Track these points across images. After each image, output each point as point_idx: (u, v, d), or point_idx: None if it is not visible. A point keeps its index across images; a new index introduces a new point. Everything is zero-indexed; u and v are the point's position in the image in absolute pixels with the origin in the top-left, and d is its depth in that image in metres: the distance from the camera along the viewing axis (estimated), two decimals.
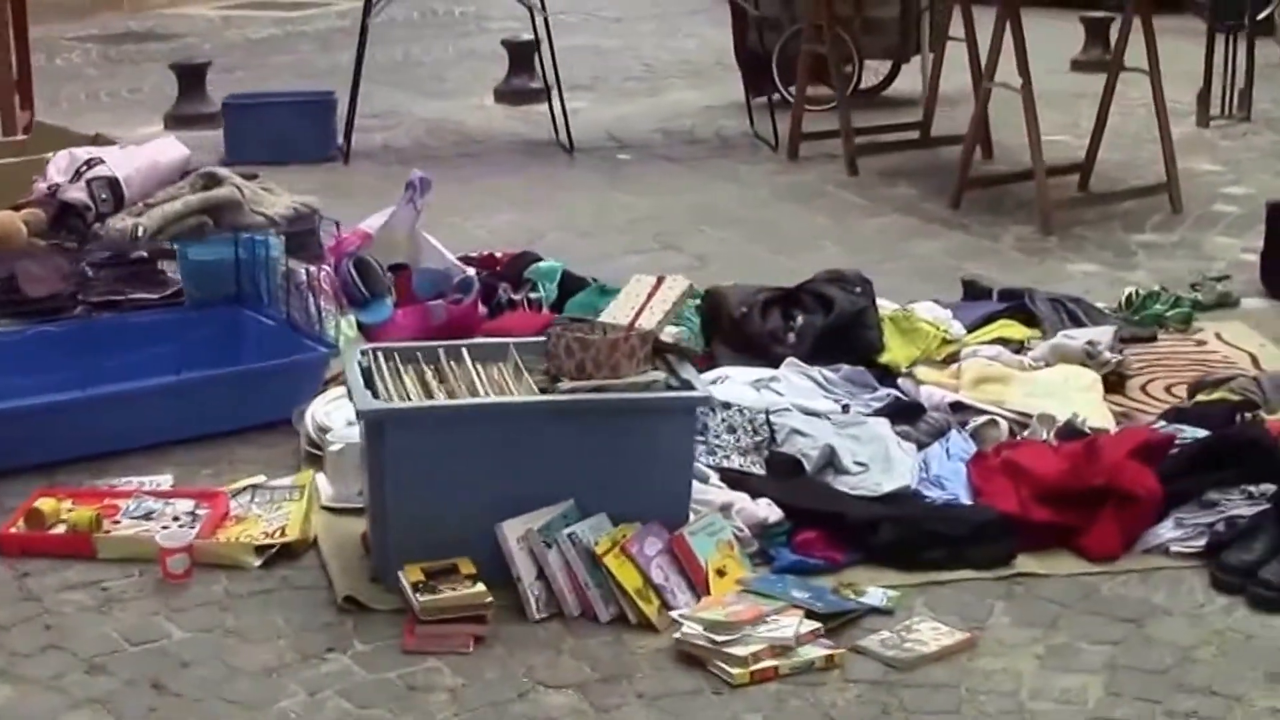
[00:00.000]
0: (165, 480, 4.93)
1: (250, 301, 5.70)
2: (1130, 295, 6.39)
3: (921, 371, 5.39)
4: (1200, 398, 5.43)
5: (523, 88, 10.58)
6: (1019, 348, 5.77)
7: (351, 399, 4.32)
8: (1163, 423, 5.14)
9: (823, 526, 4.49)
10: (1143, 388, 5.65)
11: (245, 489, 4.79)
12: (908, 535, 4.46)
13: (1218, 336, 6.19)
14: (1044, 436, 4.93)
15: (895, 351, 5.65)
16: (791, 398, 5.14)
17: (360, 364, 4.46)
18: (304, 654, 4.07)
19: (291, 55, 12.94)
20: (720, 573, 4.27)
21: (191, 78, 10.03)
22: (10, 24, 8.25)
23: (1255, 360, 5.92)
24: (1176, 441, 4.82)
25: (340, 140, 9.00)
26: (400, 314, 5.58)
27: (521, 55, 10.59)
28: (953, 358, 5.68)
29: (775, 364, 5.43)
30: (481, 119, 10.16)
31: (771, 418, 4.91)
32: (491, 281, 5.86)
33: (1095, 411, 5.13)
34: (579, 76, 11.50)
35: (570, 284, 5.95)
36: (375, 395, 4.30)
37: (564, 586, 4.20)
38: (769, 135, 9.16)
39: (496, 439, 4.23)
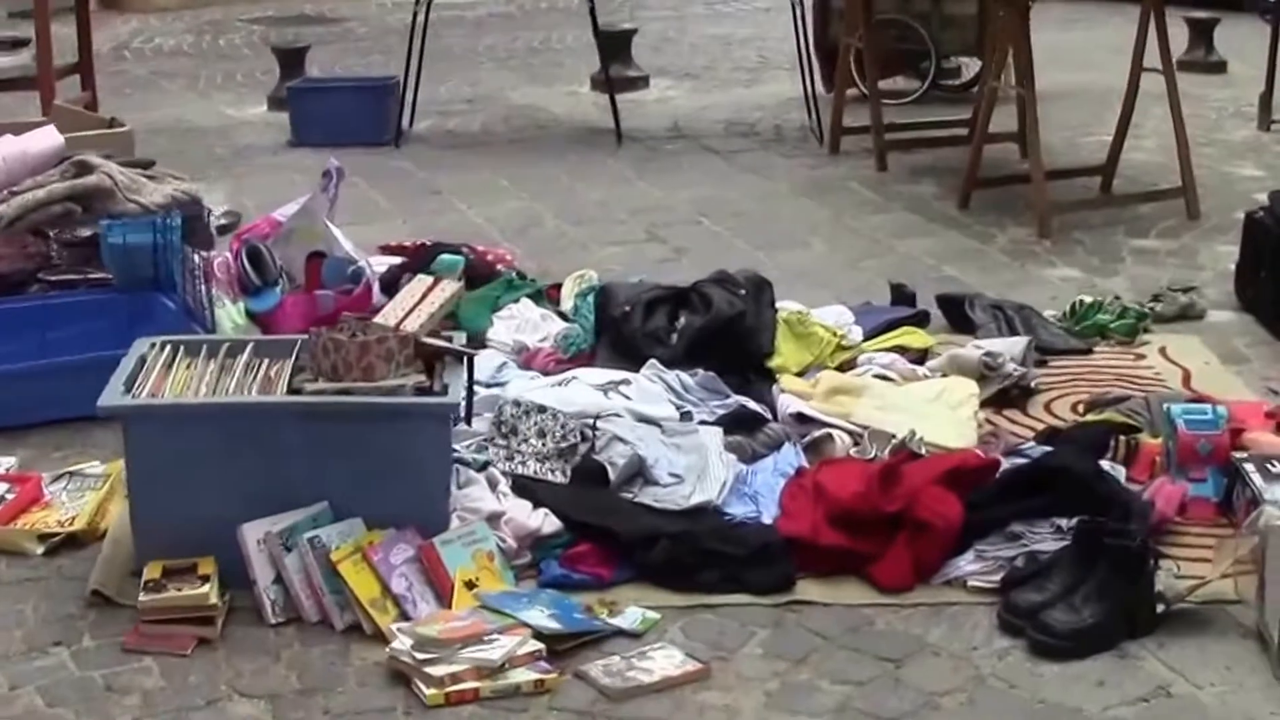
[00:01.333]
0: (8, 461, 4.67)
1: (165, 285, 5.39)
2: (1075, 304, 5.79)
3: (785, 380, 4.88)
4: (1089, 417, 4.86)
5: (618, 75, 10.16)
6: (921, 356, 5.24)
7: None
8: (1031, 444, 4.60)
9: (596, 541, 4.06)
10: (1047, 405, 5.08)
11: (63, 475, 4.51)
12: (682, 555, 4.00)
13: (1162, 352, 5.57)
14: (871, 454, 4.41)
15: (787, 356, 5.15)
16: (639, 402, 4.69)
17: (142, 355, 4.14)
18: (32, 646, 3.80)
19: (436, 41, 12.66)
20: (470, 584, 3.88)
21: (292, 60, 9.82)
22: (74, 9, 8.11)
23: (1187, 377, 5.31)
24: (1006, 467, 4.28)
25: (406, 123, 8.74)
26: (289, 302, 5.26)
27: (618, 43, 10.19)
28: (848, 365, 5.17)
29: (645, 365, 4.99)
30: (566, 105, 9.78)
31: (600, 423, 4.47)
32: (398, 272, 5.49)
33: (953, 430, 4.60)
34: (693, 65, 11.15)
35: (480, 276, 5.53)
36: (130, 389, 3.98)
37: (300, 592, 3.85)
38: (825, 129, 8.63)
39: (239, 438, 3.90)
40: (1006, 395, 5.09)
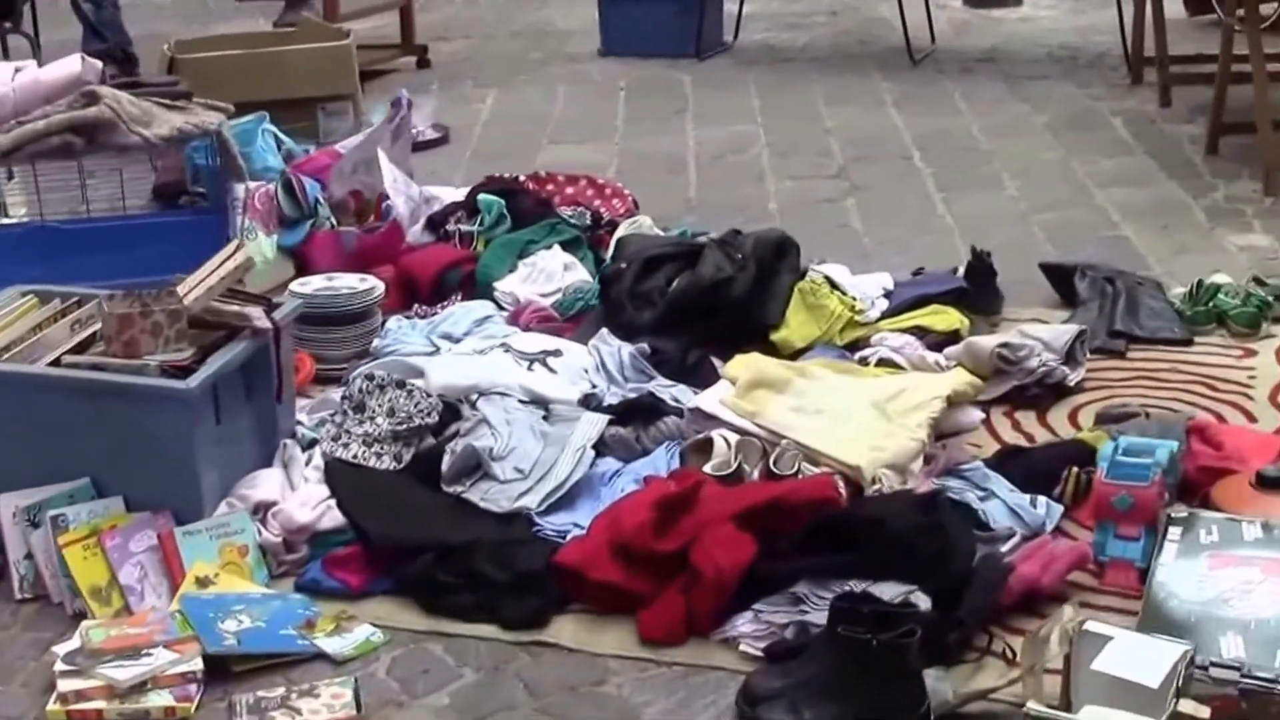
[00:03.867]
0: None
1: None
2: (1195, 284, 4.43)
3: (729, 365, 3.87)
4: (1082, 434, 3.65)
5: None
6: (948, 339, 4.09)
7: None
8: (975, 465, 3.47)
9: (362, 543, 3.28)
10: (1074, 411, 3.87)
11: None
12: (437, 573, 3.17)
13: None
14: (731, 469, 3.39)
15: (793, 330, 4.12)
16: (553, 379, 3.83)
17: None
18: None
19: None
20: (205, 581, 3.19)
21: None
22: None
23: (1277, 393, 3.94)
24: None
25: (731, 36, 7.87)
26: (319, 238, 4.61)
27: None
28: (860, 343, 4.10)
29: (627, 331, 4.08)
30: (921, 21, 8.54)
31: (480, 403, 3.65)
32: (450, 210, 4.73)
33: (872, 442, 3.49)
34: None
35: (526, 218, 4.69)
36: None
37: (44, 571, 3.27)
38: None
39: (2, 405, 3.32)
40: (1025, 394, 3.89)
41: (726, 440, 3.48)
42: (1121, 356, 4.17)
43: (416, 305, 4.40)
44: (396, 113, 4.92)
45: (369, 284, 4.26)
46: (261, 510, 3.31)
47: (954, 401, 3.76)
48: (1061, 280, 4.54)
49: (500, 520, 3.34)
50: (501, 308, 4.33)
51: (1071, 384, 3.95)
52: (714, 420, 3.58)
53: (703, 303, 4.07)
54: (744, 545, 3.02)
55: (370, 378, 3.64)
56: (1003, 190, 5.56)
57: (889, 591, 2.88)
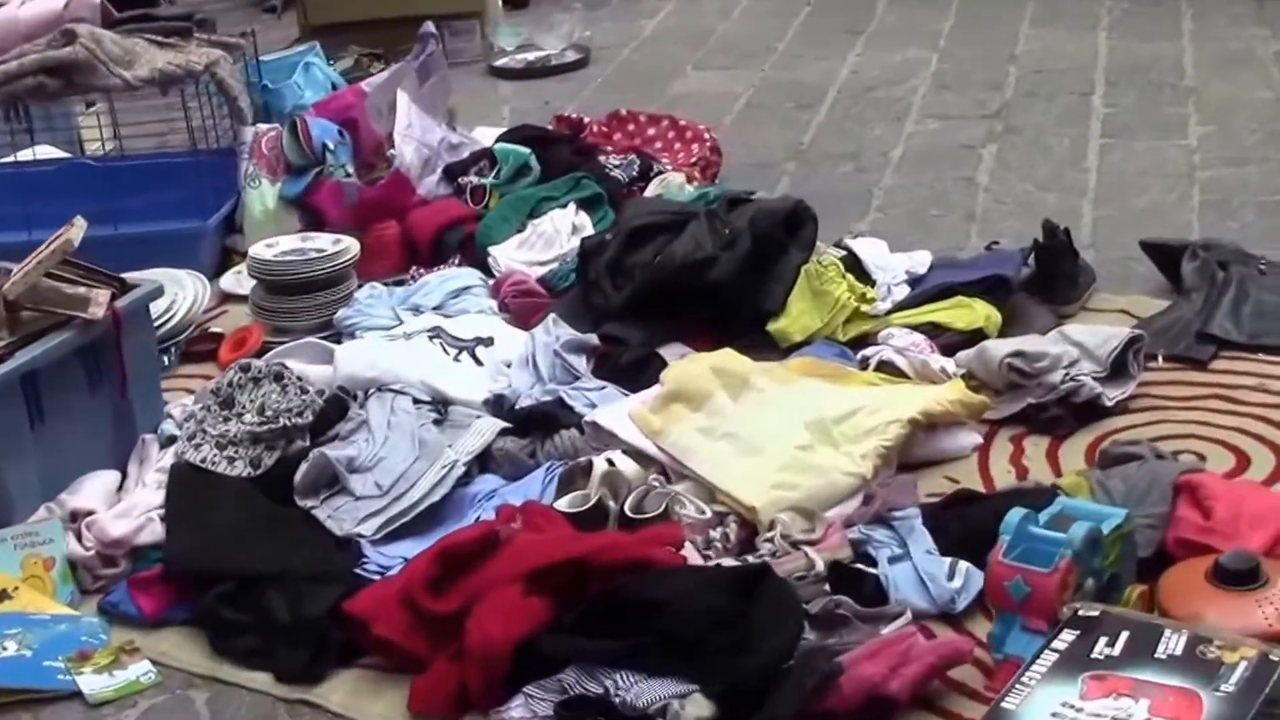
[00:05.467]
0: None
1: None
2: None
3: (670, 370, 3.38)
4: (1063, 480, 3.05)
5: None
6: (972, 338, 3.51)
7: None
8: (908, 513, 2.95)
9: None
10: (1098, 440, 3.25)
11: None
12: (221, 608, 2.87)
13: None
14: (586, 507, 2.96)
15: (793, 320, 3.63)
16: (486, 372, 3.46)
17: None
18: None
19: None
20: (2, 594, 2.99)
21: None
22: None
23: None
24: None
25: None
26: (324, 189, 4.31)
27: None
28: (865, 338, 3.57)
29: (598, 315, 3.68)
30: None
31: (371, 401, 3.32)
32: (470, 161, 4.36)
33: (798, 476, 3.01)
34: None
35: (560, 170, 4.28)
36: None
37: None
38: None
39: None
40: (1043, 415, 3.30)
41: (612, 464, 3.04)
42: (1203, 367, 3.51)
43: (414, 268, 4.08)
44: (423, 48, 4.57)
45: (341, 246, 3.96)
46: (80, 519, 3.07)
47: (939, 422, 3.21)
48: (1167, 262, 3.86)
49: (340, 546, 3.01)
50: (494, 276, 3.97)
51: (1110, 403, 3.33)
52: (614, 438, 3.14)
53: (679, 286, 3.59)
54: (528, 612, 2.61)
55: (245, 368, 3.35)
56: (1182, 138, 4.82)
57: (655, 692, 2.43)
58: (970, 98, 5.27)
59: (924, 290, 3.63)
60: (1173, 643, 2.43)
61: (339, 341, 3.71)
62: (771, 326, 3.60)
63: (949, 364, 3.41)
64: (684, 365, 3.31)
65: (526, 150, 4.26)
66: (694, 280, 3.58)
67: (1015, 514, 2.63)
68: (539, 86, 5.70)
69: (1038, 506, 2.79)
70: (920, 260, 3.75)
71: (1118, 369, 3.39)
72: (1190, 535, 2.76)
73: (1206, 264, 3.79)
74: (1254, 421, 3.29)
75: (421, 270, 4.05)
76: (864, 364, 3.46)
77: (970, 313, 3.52)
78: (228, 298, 4.18)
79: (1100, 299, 3.83)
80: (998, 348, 3.35)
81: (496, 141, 4.39)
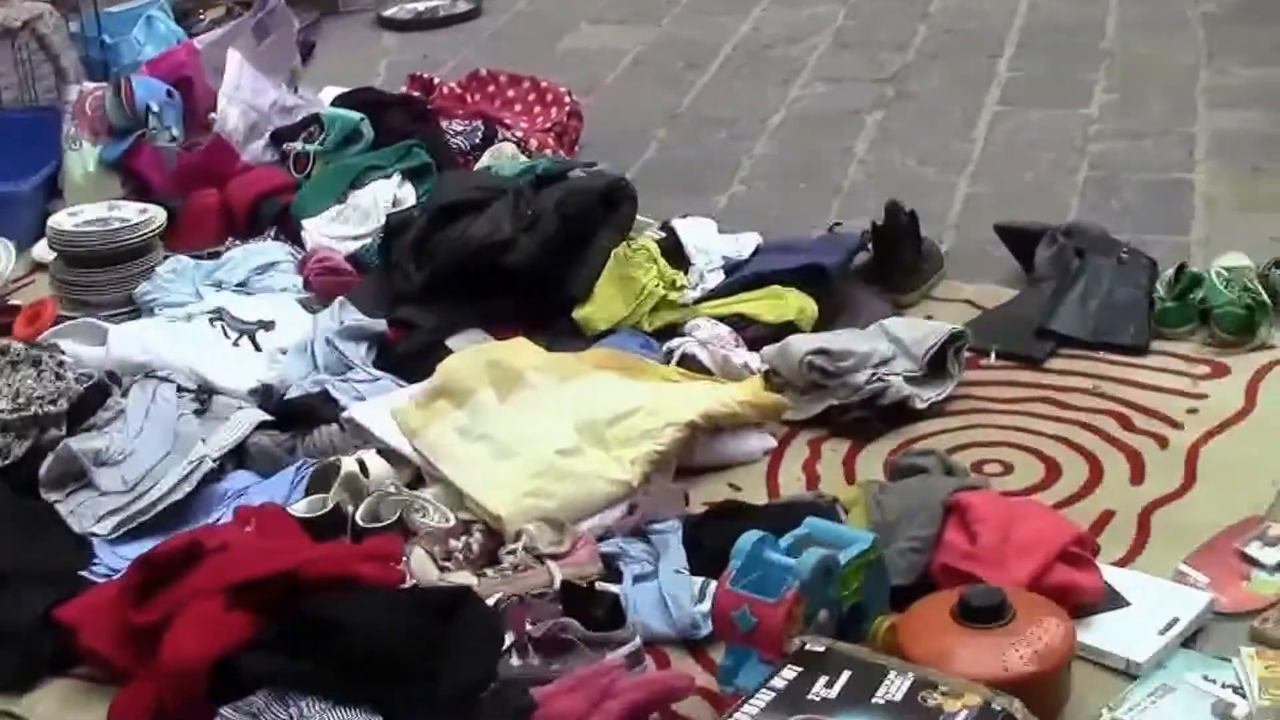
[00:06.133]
0: None
1: None
2: (1177, 269, 3.52)
3: (448, 361, 3.24)
4: (847, 492, 2.90)
5: None
6: (783, 331, 3.34)
7: None
8: (669, 523, 2.80)
9: None
10: (900, 448, 3.09)
11: None
12: None
13: (1258, 376, 3.27)
14: (322, 512, 2.83)
15: (599, 307, 3.48)
16: (263, 358, 3.33)
17: None
18: None
19: None
20: None
21: None
22: None
23: (1207, 437, 3.08)
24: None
25: None
26: (143, 153, 4.16)
27: None
28: (672, 329, 3.42)
29: (395, 298, 3.54)
30: None
31: (135, 387, 3.20)
32: (303, 125, 4.21)
33: (553, 484, 2.87)
34: None
35: (395, 137, 4.12)
36: None
37: None
38: None
39: None
40: (847, 418, 3.15)
41: (363, 465, 2.91)
42: (1037, 366, 3.35)
43: (229, 239, 3.95)
44: (263, 4, 4.41)
45: (146, 216, 3.83)
46: None
47: (726, 424, 3.06)
48: (1023, 248, 3.70)
49: (81, 544, 2.90)
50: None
51: (922, 405, 3.17)
52: (372, 435, 3.01)
53: (478, 269, 3.45)
54: (229, 628, 2.48)
55: (4, 351, 3.22)
56: (1084, 106, 4.64)
57: None
58: (869, 59, 5.09)
59: (738, 278, 3.47)
60: (895, 687, 2.29)
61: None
62: (577, 313, 3.46)
63: (753, 360, 3.26)
64: (457, 358, 3.17)
65: (357, 115, 4.11)
66: (492, 263, 3.43)
67: (749, 537, 2.49)
68: (425, 39, 5.55)
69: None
70: (746, 244, 3.58)
71: (936, 368, 3.23)
72: (953, 562, 2.62)
73: (1063, 251, 3.62)
74: (1077, 429, 3.14)
75: (237, 242, 3.92)
76: (669, 356, 3.31)
77: (781, 304, 3.36)
78: (40, 267, 4.04)
79: (947, 287, 3.67)
80: (800, 344, 3.20)
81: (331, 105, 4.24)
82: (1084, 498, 2.93)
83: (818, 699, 2.27)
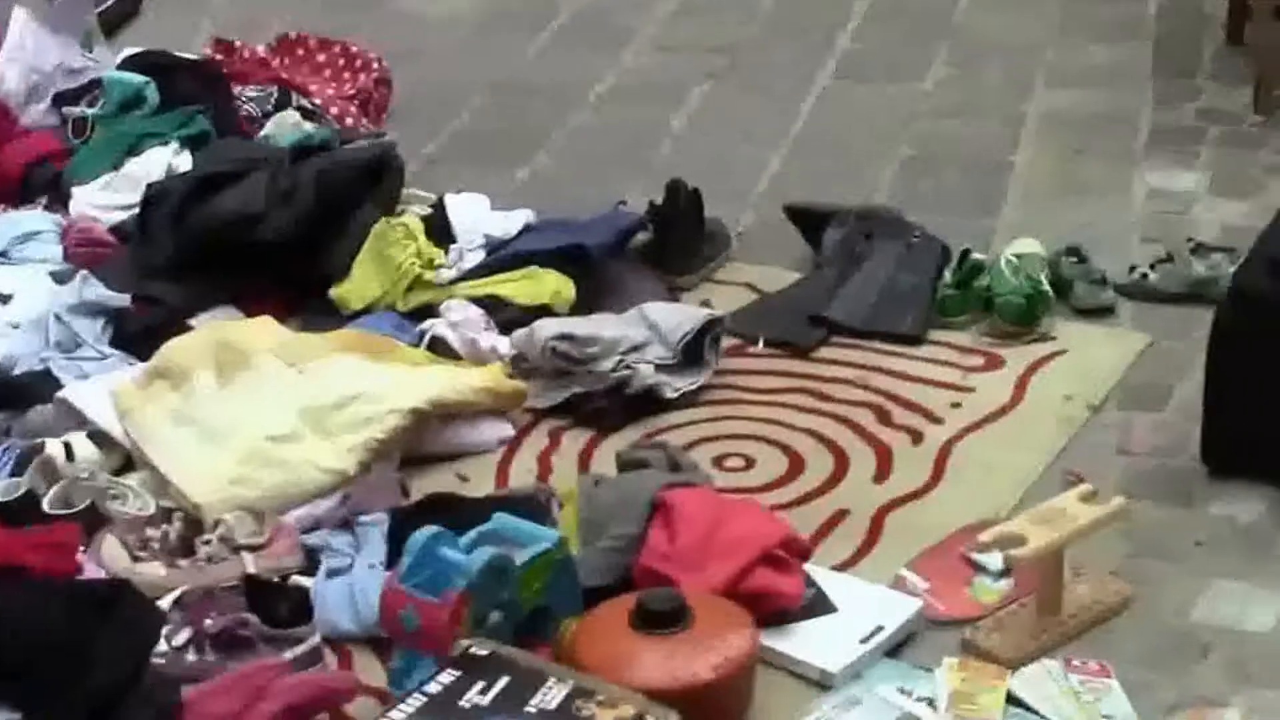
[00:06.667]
0: None
1: None
2: (961, 256, 3.46)
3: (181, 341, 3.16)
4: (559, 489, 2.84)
5: None
6: (538, 314, 3.27)
7: None
8: (378, 519, 2.74)
9: None
10: (645, 439, 3.02)
11: None
12: None
13: (1031, 369, 3.21)
14: (16, 492, 2.75)
15: (356, 284, 3.41)
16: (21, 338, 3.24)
17: None
18: None
19: None
20: None
21: None
22: None
23: (968, 430, 3.02)
24: None
25: None
26: None
27: None
28: (428, 310, 3.34)
29: (147, 271, 3.45)
30: None
31: None
32: (83, 90, 4.11)
33: (258, 471, 2.80)
34: None
35: (185, 103, 4.02)
36: None
37: None
38: None
39: None
40: (588, 407, 3.09)
41: (69, 448, 2.84)
42: (805, 355, 3.28)
43: (1, 207, 3.85)
44: None
45: None
46: None
47: (459, 411, 2.99)
48: (812, 230, 3.63)
49: None
50: None
51: (673, 395, 3.11)
52: (83, 417, 2.93)
53: (229, 244, 3.36)
54: None
55: None
56: (918, 82, 4.57)
57: None
58: (710, 27, 5.00)
59: (497, 258, 3.39)
60: (551, 695, 2.24)
61: None
62: (333, 292, 3.39)
63: (502, 344, 3.19)
64: (185, 338, 3.10)
65: (140, 79, 4.01)
66: (242, 238, 3.35)
67: (422, 533, 2.42)
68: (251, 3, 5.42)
69: (531, 513, 2.62)
70: (514, 222, 3.50)
71: (693, 356, 3.16)
72: (651, 563, 2.55)
73: (851, 235, 3.56)
74: (832, 422, 3.08)
75: (7, 209, 3.83)
76: (422, 339, 3.24)
77: (536, 286, 3.29)
78: None
79: (732, 270, 3.61)
80: (545, 328, 3.12)
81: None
82: (820, 496, 2.87)
83: (469, 705, 2.21)
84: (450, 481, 2.94)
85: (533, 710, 2.20)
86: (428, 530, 2.42)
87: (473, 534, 2.47)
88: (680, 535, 2.55)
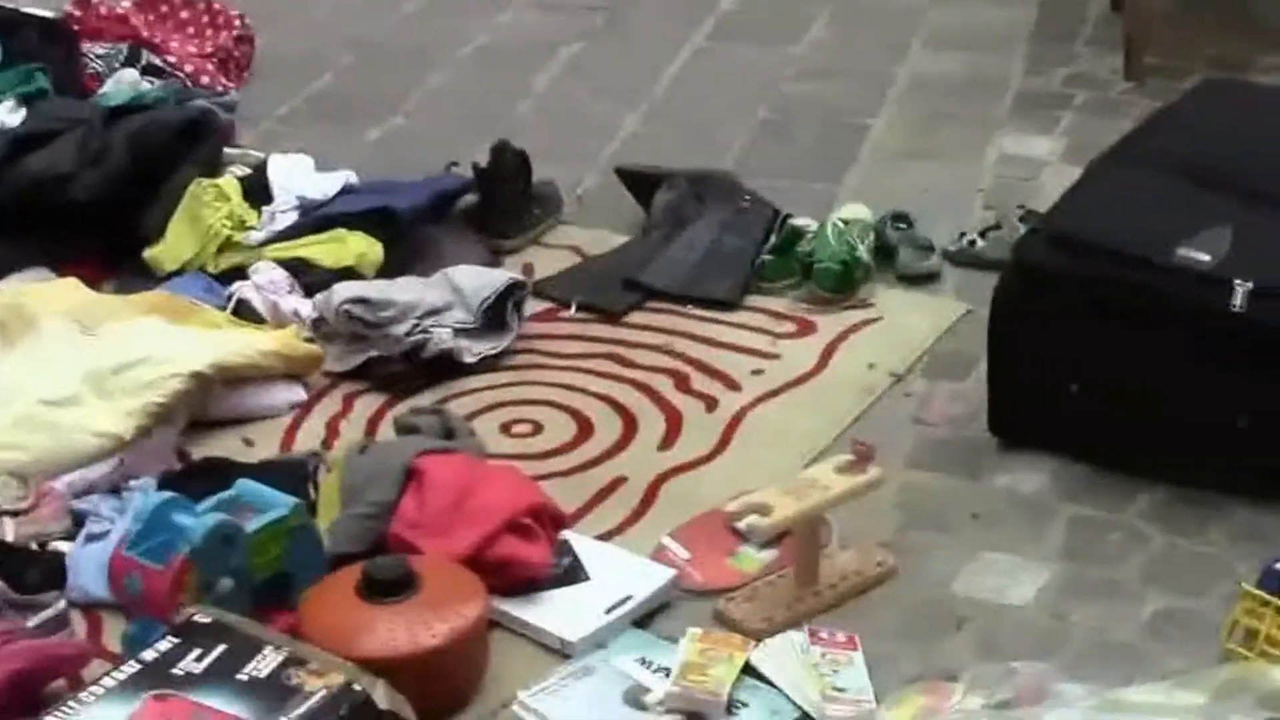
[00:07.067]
0: None
1: None
2: (780, 220, 3.46)
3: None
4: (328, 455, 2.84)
5: None
6: (343, 276, 3.26)
7: None
8: (144, 484, 2.75)
9: None
10: (440, 404, 3.03)
11: None
12: None
13: (845, 335, 3.21)
14: None
15: (170, 245, 3.41)
16: None
17: None
18: None
19: None
20: None
21: None
22: None
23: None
24: None
25: None
26: None
27: None
28: (239, 272, 3.34)
29: None
30: None
31: None
32: None
33: (28, 436, 2.81)
34: None
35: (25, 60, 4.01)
36: None
37: None
38: None
39: None
40: (384, 371, 3.10)
41: None
42: (616, 319, 3.28)
43: None
44: None
45: None
46: None
47: (248, 375, 3.00)
48: (643, 193, 3.63)
49: None
50: None
51: (472, 360, 3.11)
52: None
53: (39, 205, 3.36)
54: None
55: None
56: (794, 44, 4.55)
57: None
58: None
59: (307, 220, 3.39)
60: (265, 663, 2.24)
61: None
62: (147, 253, 3.39)
63: (305, 307, 3.19)
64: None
65: None
66: (53, 198, 3.35)
67: (154, 498, 2.44)
68: None
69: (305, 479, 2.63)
70: (332, 184, 3.50)
71: (496, 320, 3.16)
72: (400, 531, 2.56)
73: (682, 198, 3.55)
74: (630, 388, 3.08)
75: None
76: (229, 301, 3.24)
77: (341, 248, 3.29)
78: None
79: (560, 233, 3.61)
80: (341, 292, 3.12)
81: None
82: (602, 463, 2.87)
83: (182, 673, 2.21)
84: (236, 446, 2.94)
85: (243, 678, 2.21)
86: (159, 495, 2.43)
87: (212, 500, 2.47)
88: (429, 503, 2.55)
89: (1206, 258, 2.70)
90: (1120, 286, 2.71)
